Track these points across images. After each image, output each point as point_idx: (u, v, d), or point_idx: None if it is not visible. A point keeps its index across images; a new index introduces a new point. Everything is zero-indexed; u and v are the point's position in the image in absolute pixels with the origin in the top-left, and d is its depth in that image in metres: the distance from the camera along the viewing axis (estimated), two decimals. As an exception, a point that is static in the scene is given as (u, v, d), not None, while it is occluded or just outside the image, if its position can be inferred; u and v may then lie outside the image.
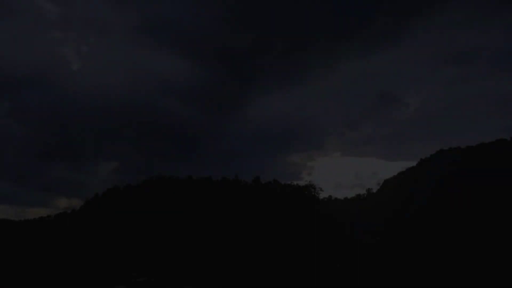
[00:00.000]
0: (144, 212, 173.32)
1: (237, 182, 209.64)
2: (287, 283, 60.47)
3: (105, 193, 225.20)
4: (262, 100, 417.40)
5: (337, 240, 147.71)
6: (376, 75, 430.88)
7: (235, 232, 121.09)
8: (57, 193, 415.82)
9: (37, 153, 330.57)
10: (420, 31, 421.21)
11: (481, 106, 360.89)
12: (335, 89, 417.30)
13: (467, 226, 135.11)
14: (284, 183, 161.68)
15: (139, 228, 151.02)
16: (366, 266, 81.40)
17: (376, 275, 66.75)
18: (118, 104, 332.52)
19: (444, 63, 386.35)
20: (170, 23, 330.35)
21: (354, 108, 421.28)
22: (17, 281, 72.91)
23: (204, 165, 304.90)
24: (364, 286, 57.39)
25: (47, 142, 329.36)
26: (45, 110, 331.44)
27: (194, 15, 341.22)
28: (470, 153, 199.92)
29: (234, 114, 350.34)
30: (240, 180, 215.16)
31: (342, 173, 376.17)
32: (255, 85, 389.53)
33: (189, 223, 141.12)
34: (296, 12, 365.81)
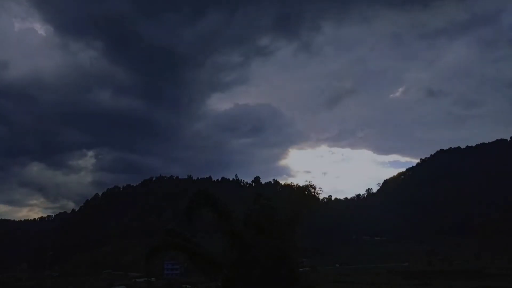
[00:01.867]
0: (143, 211, 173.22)
1: (237, 182, 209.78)
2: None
3: (105, 193, 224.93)
4: (220, 94, 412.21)
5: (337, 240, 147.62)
6: (360, 48, 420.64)
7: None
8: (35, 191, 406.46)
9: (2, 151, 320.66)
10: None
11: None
12: (309, 76, 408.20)
13: (466, 226, 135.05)
14: (284, 183, 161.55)
15: (138, 228, 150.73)
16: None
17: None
18: (63, 97, 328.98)
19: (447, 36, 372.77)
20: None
21: (331, 96, 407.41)
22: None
23: (174, 162, 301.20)
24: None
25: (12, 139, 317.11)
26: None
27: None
28: (470, 153, 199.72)
29: (192, 109, 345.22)
30: (240, 180, 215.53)
31: (328, 166, 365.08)
32: (211, 79, 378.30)
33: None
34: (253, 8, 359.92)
